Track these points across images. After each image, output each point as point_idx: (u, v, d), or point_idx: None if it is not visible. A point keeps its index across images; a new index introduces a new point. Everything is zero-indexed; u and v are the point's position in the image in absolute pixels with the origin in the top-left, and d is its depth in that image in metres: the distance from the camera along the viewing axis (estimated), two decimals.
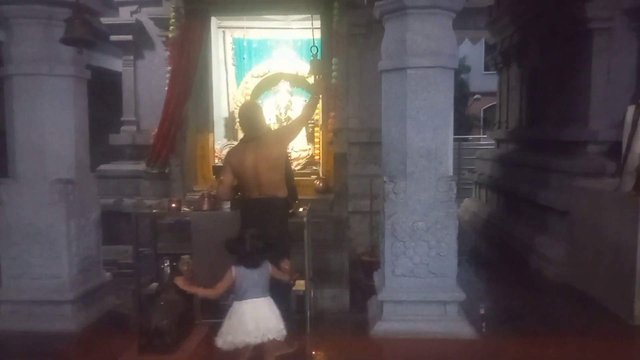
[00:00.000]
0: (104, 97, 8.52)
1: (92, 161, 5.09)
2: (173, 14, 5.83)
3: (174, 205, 4.66)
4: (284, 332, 3.31)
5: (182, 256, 4.56)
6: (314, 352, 4.24)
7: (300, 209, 4.48)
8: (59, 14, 4.32)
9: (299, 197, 4.64)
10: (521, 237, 6.96)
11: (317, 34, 5.96)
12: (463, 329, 4.22)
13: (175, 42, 5.87)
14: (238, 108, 4.96)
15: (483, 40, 12.60)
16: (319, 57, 5.82)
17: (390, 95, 4.32)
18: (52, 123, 4.45)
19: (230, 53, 6.80)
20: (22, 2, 4.27)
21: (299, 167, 6.36)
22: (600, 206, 5.12)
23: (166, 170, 6.12)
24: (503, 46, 9.15)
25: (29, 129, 4.41)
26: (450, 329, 4.19)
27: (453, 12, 4.22)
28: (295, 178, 4.70)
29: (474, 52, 21.16)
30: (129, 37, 7.15)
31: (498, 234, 7.95)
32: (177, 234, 5.43)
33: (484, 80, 22.12)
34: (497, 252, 7.53)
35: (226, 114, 6.80)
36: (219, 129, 6.62)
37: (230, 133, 6.75)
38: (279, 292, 3.59)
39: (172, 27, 5.86)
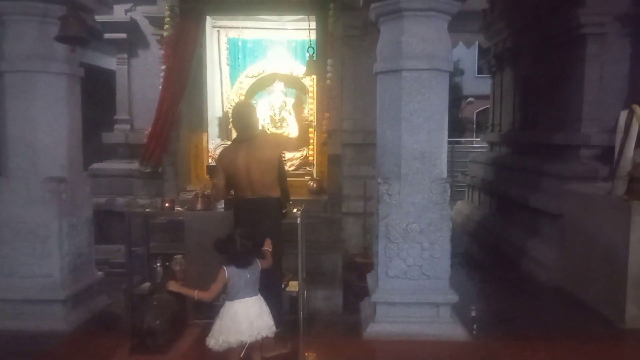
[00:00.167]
0: (97, 95, 8.48)
1: (85, 160, 5.06)
2: (168, 12, 5.81)
3: (167, 204, 4.62)
4: (274, 329, 3.33)
5: (175, 256, 4.54)
6: (306, 354, 4.24)
7: (295, 210, 4.48)
8: (54, 11, 4.29)
9: (293, 198, 4.64)
10: (513, 240, 6.99)
11: (313, 35, 5.98)
12: (456, 331, 4.23)
13: (170, 41, 5.85)
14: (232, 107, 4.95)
15: (477, 43, 12.67)
16: (314, 58, 5.86)
17: (385, 97, 4.32)
18: (45, 121, 4.42)
19: (224, 53, 6.78)
20: None
21: (293, 168, 6.35)
22: (593, 210, 5.16)
23: (159, 170, 6.09)
24: (497, 50, 9.19)
25: (21, 126, 4.38)
26: (442, 331, 4.20)
27: (448, 15, 4.23)
28: (288, 179, 4.69)
29: (467, 55, 21.30)
30: (123, 36, 7.12)
31: (490, 236, 7.97)
32: (170, 234, 5.41)
33: (477, 84, 22.24)
34: (489, 254, 7.55)
35: (220, 114, 6.79)
36: (213, 129, 6.61)
37: (224, 133, 6.74)
38: (271, 292, 3.59)
39: (166, 26, 5.84)
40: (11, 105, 4.37)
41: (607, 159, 5.61)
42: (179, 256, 4.53)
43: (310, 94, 6.52)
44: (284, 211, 4.23)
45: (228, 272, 3.18)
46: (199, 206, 4.48)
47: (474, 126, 24.02)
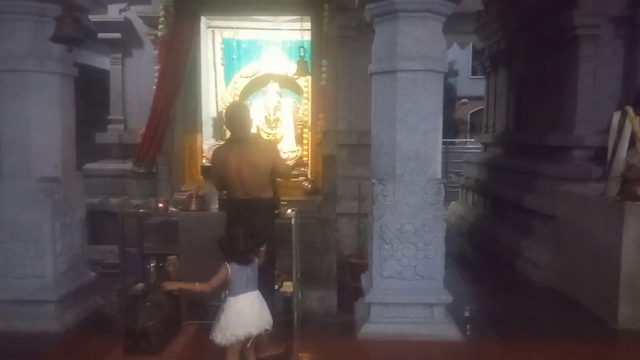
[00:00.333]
0: (91, 95, 8.45)
1: (78, 160, 5.04)
2: (162, 12, 5.78)
3: (161, 205, 4.61)
4: (272, 322, 3.43)
5: (169, 257, 4.53)
6: (301, 354, 4.24)
7: (289, 210, 4.47)
8: (49, 11, 4.27)
9: (287, 199, 4.64)
10: (507, 241, 7.01)
11: (307, 36, 5.98)
12: (450, 332, 4.23)
13: (164, 40, 5.82)
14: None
15: (471, 45, 12.70)
16: (306, 58, 5.88)
17: (379, 98, 4.32)
18: (38, 120, 4.39)
19: (219, 53, 6.76)
20: None
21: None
22: (586, 211, 5.18)
23: (153, 170, 6.06)
24: (491, 51, 9.22)
25: (14, 126, 4.35)
26: (437, 331, 4.20)
27: (443, 16, 4.24)
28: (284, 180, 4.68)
29: (462, 56, 21.35)
30: (118, 35, 7.09)
31: (484, 237, 8.00)
32: (164, 235, 5.39)
33: (471, 85, 22.33)
34: (483, 255, 7.57)
35: (215, 114, 6.77)
36: (207, 129, 6.59)
37: (218, 133, 6.72)
38: (262, 293, 3.59)
39: (161, 26, 5.81)
40: (4, 105, 4.34)
41: (600, 160, 5.64)
42: (172, 257, 4.52)
43: (305, 95, 6.51)
44: (276, 212, 4.23)
45: (231, 269, 3.25)
46: (193, 207, 4.48)
47: (468, 127, 24.11)
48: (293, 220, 4.42)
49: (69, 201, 4.58)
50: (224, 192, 4.20)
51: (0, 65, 4.32)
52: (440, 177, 4.32)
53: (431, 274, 4.24)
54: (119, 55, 7.23)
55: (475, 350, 4.16)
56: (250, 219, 3.82)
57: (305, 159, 6.44)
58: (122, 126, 7.27)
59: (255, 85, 6.78)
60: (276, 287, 4.44)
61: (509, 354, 4.11)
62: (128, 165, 6.47)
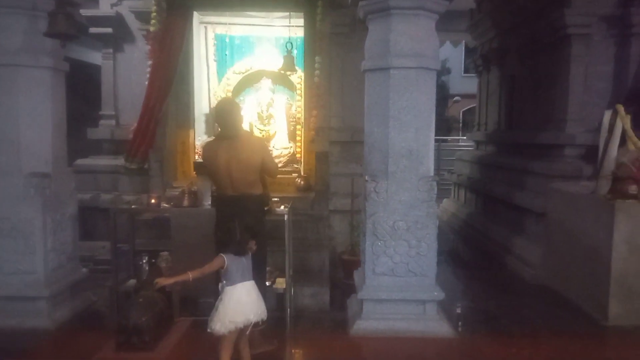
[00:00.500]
0: (82, 90, 8.38)
1: (70, 155, 5.00)
2: (154, 7, 5.75)
3: (153, 201, 4.60)
4: (266, 315, 3.46)
5: (161, 253, 4.51)
6: (293, 350, 4.24)
7: (282, 207, 4.47)
8: (42, 5, 4.23)
9: (280, 195, 4.63)
10: (498, 239, 7.05)
11: (300, 32, 5.97)
12: (442, 328, 4.26)
13: (157, 36, 5.79)
14: None
15: (463, 43, 12.75)
16: (293, 54, 5.87)
17: (372, 95, 4.33)
18: (29, 115, 4.36)
19: (212, 49, 6.73)
20: None
21: (280, 165, 6.33)
22: (577, 209, 5.22)
23: (145, 166, 6.04)
24: (483, 50, 9.26)
25: (4, 121, 4.31)
26: (429, 327, 4.23)
27: (437, 14, 4.25)
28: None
29: (454, 54, 21.44)
30: (109, 30, 7.02)
31: (476, 234, 8.04)
32: (156, 231, 5.37)
33: (463, 83, 22.43)
34: (475, 252, 7.62)
35: (207, 110, 6.73)
36: (200, 125, 6.56)
37: (210, 129, 6.69)
38: None
39: (153, 21, 5.78)
40: None
41: (591, 158, 5.68)
42: (165, 253, 4.50)
43: (298, 91, 6.50)
44: (266, 208, 4.23)
45: (227, 259, 3.28)
46: (185, 203, 4.47)
47: (460, 125, 24.21)
48: (286, 217, 4.42)
49: (60, 197, 4.56)
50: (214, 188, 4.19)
51: None
52: (432, 174, 4.33)
53: (423, 270, 4.26)
54: (111, 51, 7.16)
55: (467, 347, 4.18)
56: (240, 215, 3.81)
57: (298, 155, 6.44)
58: (113, 122, 7.21)
59: (248, 82, 6.76)
60: (268, 283, 4.44)
61: (500, 351, 4.13)
62: (120, 161, 6.44)
